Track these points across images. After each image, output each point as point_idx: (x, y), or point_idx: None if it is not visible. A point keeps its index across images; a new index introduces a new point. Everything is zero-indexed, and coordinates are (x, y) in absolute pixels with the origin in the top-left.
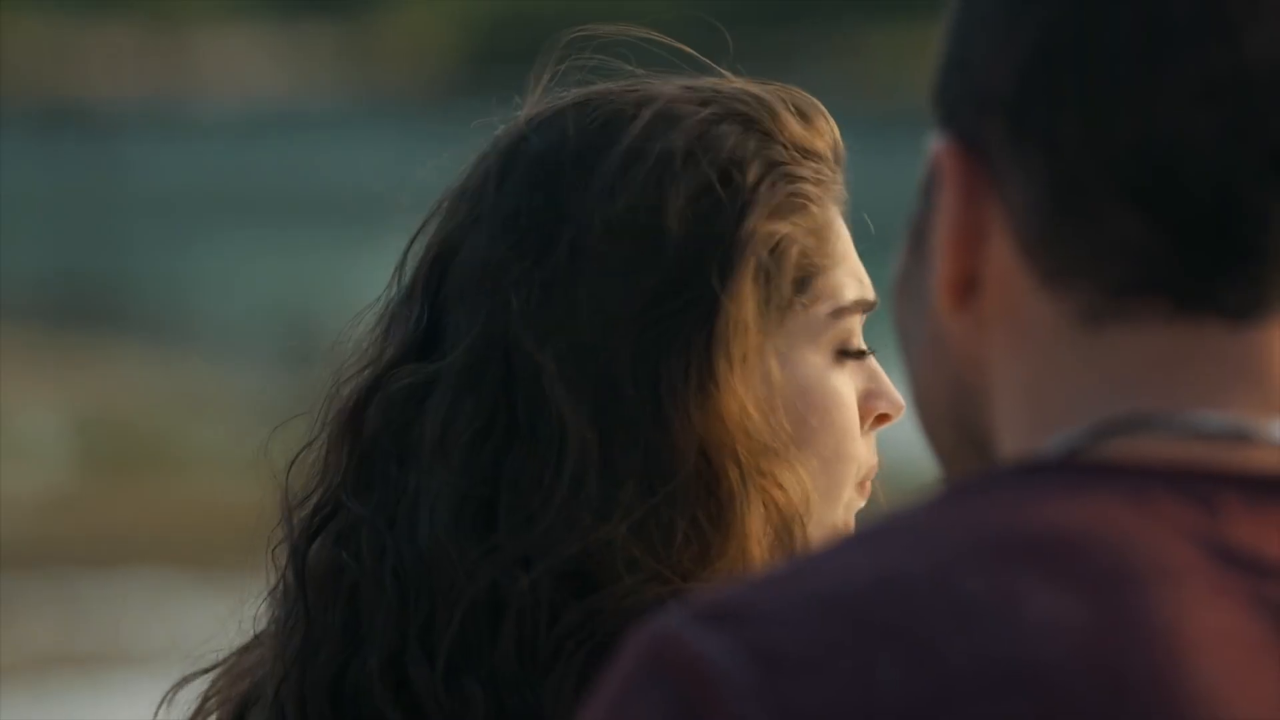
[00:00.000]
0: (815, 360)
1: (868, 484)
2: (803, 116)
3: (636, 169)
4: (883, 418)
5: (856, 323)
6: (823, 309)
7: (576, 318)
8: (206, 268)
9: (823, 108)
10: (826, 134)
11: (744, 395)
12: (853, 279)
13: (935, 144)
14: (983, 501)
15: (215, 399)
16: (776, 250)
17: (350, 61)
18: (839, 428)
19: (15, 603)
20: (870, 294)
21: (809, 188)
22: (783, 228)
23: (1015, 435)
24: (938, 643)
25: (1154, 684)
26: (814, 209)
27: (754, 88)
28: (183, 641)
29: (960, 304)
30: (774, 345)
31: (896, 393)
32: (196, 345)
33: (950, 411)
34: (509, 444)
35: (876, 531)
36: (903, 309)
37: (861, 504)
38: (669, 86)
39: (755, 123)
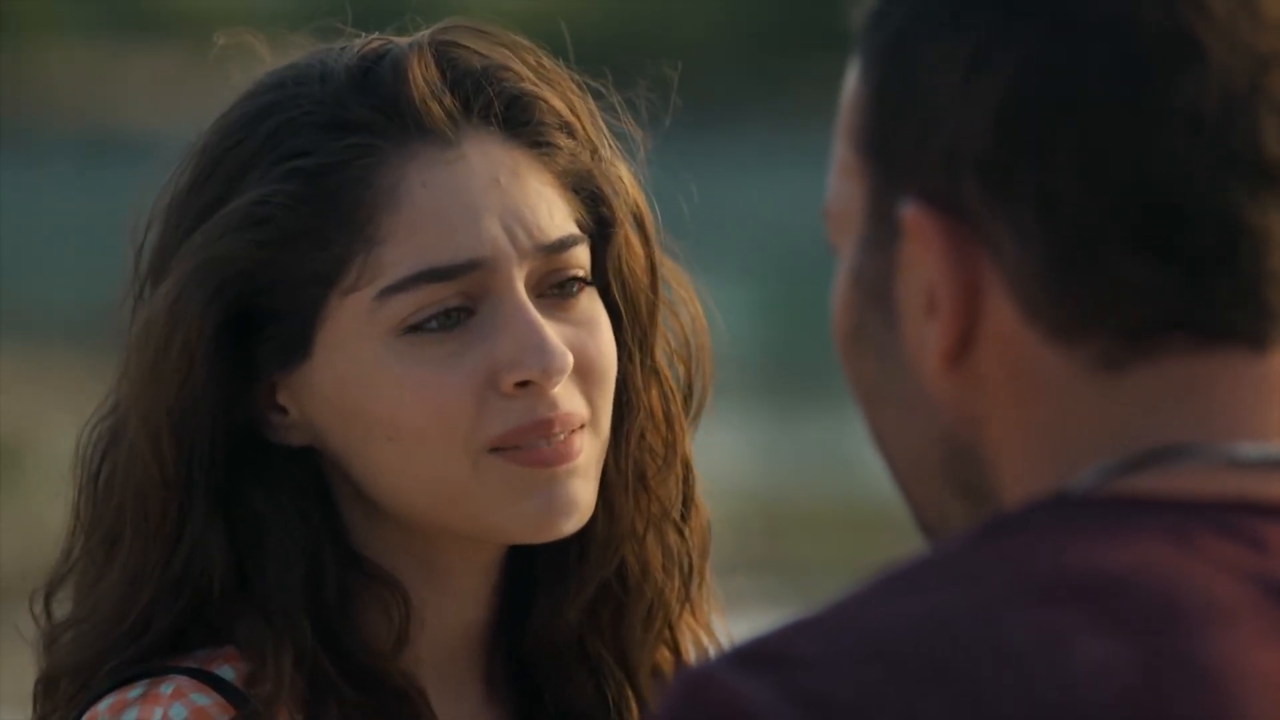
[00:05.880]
0: (361, 348)
1: (542, 446)
2: (360, 88)
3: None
4: (531, 384)
5: (428, 294)
6: (364, 296)
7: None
8: None
9: (411, 63)
10: (391, 97)
11: (309, 402)
12: (414, 251)
13: (904, 209)
14: (1023, 539)
15: None
16: (236, 269)
17: None
18: (404, 407)
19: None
20: (446, 258)
21: (326, 181)
22: (233, 248)
23: (1031, 479)
24: (985, 687)
25: None
26: (326, 208)
27: (351, 57)
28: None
29: (954, 365)
30: (324, 344)
31: (537, 353)
32: None
33: (939, 465)
34: None
35: (916, 571)
36: (862, 363)
37: (522, 468)
38: (289, 66)
39: (270, 136)
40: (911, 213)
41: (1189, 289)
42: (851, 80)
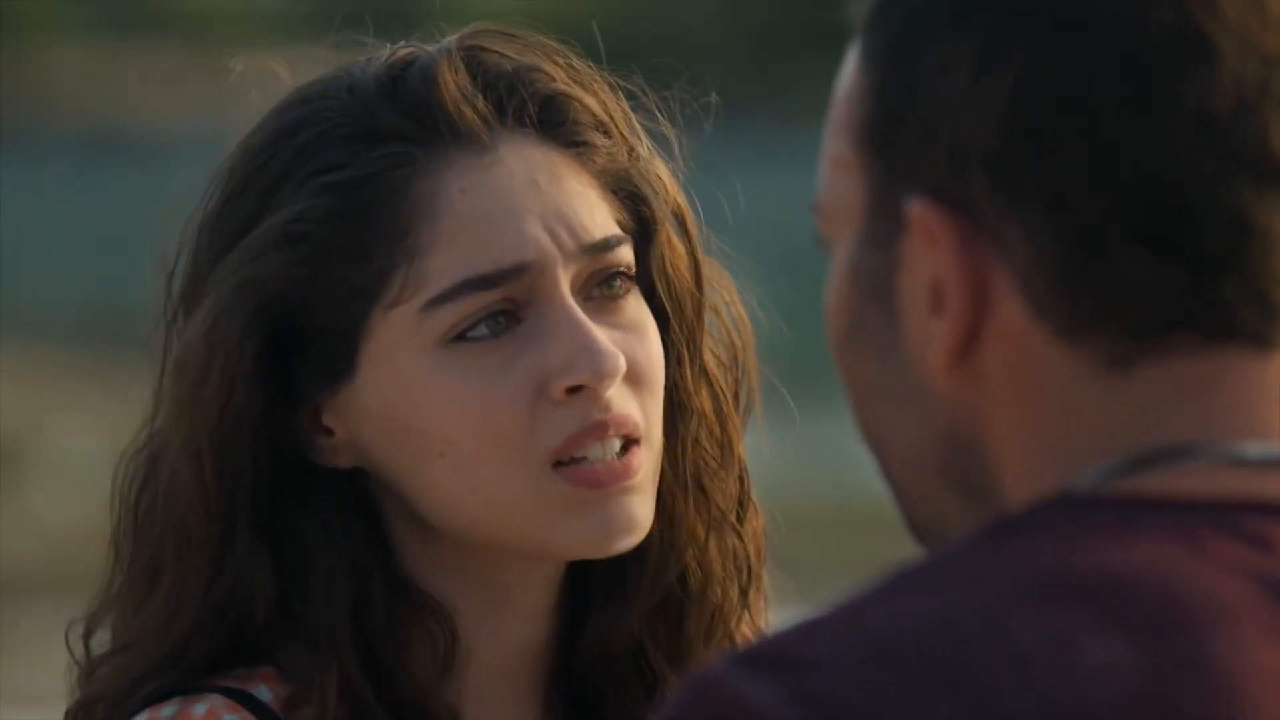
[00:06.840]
0: (408, 362)
1: (598, 461)
2: (391, 96)
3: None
4: (583, 389)
5: (475, 301)
6: (409, 309)
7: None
8: None
9: (441, 69)
10: (423, 103)
11: (355, 419)
12: (457, 259)
13: (911, 206)
14: (1027, 540)
15: None
16: (274, 290)
17: None
18: (455, 421)
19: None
20: (490, 264)
21: (367, 192)
22: (269, 268)
23: (1034, 478)
24: (993, 689)
25: None
26: (363, 217)
27: (379, 66)
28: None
29: (958, 363)
30: (368, 360)
31: (588, 356)
32: None
33: (939, 464)
34: None
35: (922, 572)
36: (860, 361)
37: (579, 487)
38: (315, 81)
39: (299, 153)
40: (919, 209)
41: (1194, 288)
42: (849, 76)
